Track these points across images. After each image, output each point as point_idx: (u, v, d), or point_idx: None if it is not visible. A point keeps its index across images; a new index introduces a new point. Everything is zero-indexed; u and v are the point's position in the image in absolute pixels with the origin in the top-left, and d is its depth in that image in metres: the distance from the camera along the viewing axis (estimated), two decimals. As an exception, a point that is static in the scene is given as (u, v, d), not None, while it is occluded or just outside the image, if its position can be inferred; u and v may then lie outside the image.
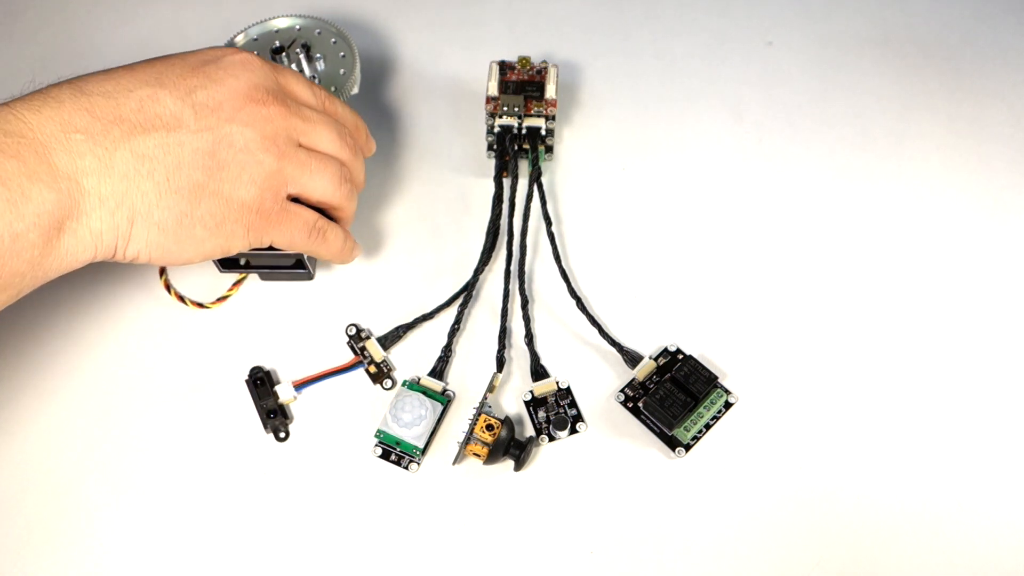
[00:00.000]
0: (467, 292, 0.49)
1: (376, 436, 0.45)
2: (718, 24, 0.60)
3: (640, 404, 0.46)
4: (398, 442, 0.45)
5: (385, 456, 0.45)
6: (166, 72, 0.40)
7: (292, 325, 0.49)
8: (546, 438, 0.46)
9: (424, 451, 0.45)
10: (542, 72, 0.52)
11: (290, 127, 0.42)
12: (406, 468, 0.45)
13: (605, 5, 0.61)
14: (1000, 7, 0.61)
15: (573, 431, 0.46)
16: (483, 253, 0.50)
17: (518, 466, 0.44)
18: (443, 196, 0.53)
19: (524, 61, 0.52)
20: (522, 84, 0.51)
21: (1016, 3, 0.61)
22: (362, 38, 0.60)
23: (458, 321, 0.48)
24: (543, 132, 0.51)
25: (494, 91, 0.51)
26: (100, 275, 0.51)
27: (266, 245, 0.43)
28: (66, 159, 0.35)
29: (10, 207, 0.34)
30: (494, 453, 0.43)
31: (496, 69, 0.51)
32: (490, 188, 0.51)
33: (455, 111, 0.57)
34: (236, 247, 0.41)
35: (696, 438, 0.46)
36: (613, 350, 0.48)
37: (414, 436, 0.45)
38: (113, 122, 0.37)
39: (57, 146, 0.35)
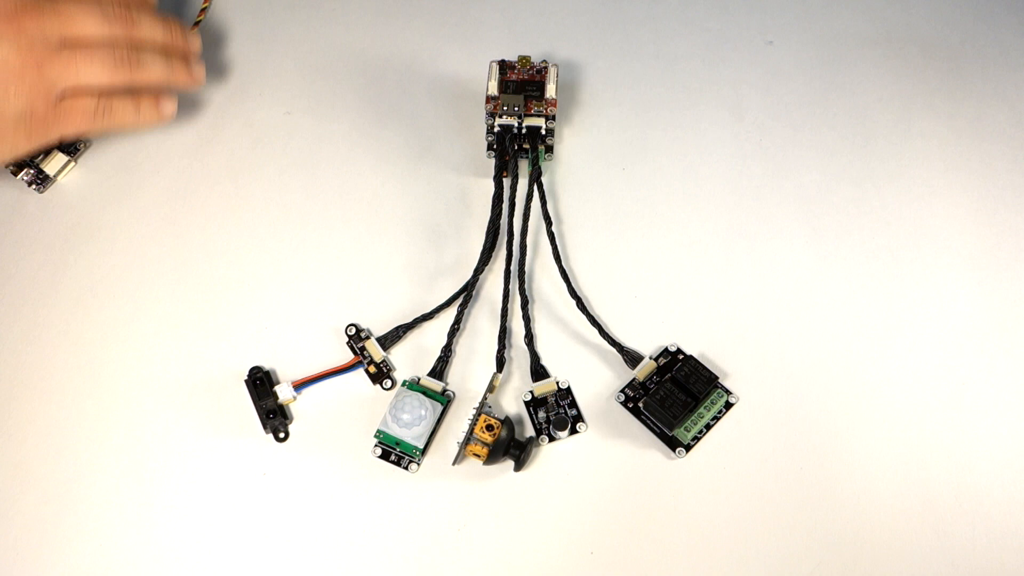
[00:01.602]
0: (467, 292, 0.49)
1: (376, 436, 0.45)
2: (718, 24, 0.60)
3: (640, 404, 0.46)
4: (398, 442, 0.45)
5: (385, 456, 0.45)
6: None
7: (292, 325, 0.49)
8: (546, 438, 0.46)
9: (424, 451, 0.45)
10: (542, 72, 0.52)
11: (45, 31, 0.44)
12: (406, 468, 0.45)
13: (605, 5, 0.61)
14: (1001, 7, 0.61)
15: (573, 431, 0.46)
16: (483, 253, 0.50)
17: (518, 466, 0.44)
18: (443, 196, 0.53)
19: (524, 60, 0.52)
20: (522, 84, 0.51)
21: (1016, 3, 0.61)
22: (362, 38, 0.60)
23: (458, 321, 0.48)
24: (543, 132, 0.51)
25: (494, 90, 0.51)
26: (97, 273, 0.51)
27: (55, 142, 0.47)
28: None
29: None
30: (494, 453, 0.43)
31: (496, 68, 0.51)
32: (490, 188, 0.51)
33: (455, 111, 0.57)
34: (22, 152, 0.45)
35: (696, 438, 0.46)
36: (613, 350, 0.48)
37: (414, 436, 0.45)
38: None
39: None
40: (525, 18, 0.61)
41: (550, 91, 0.51)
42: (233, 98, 0.57)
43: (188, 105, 0.57)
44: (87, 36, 0.46)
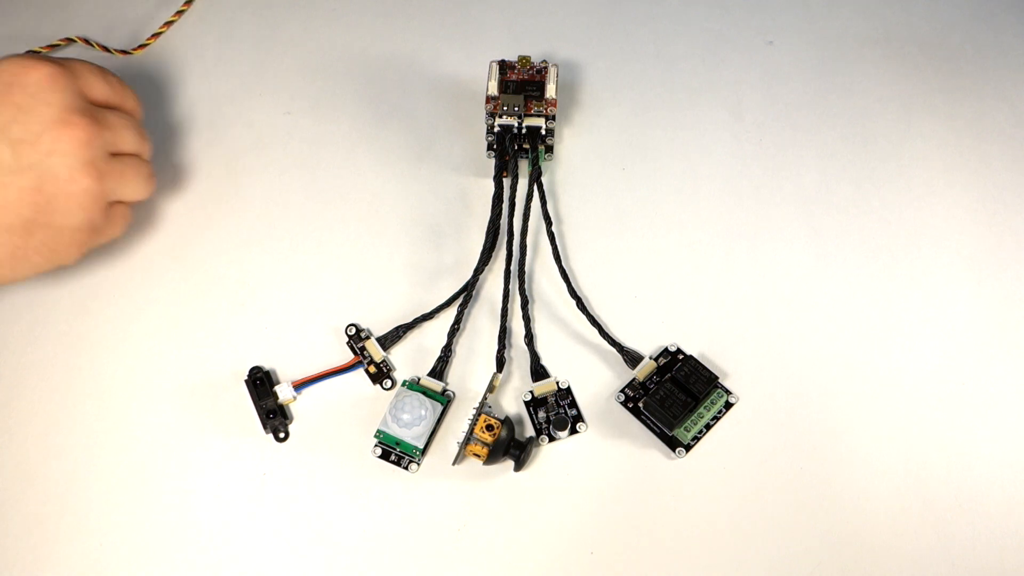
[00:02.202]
0: (467, 292, 0.49)
1: (376, 436, 0.45)
2: (718, 24, 0.60)
3: (640, 404, 0.46)
4: (398, 442, 0.45)
5: (385, 456, 0.45)
6: None
7: (292, 325, 0.49)
8: (546, 438, 0.46)
9: (424, 451, 0.45)
10: (542, 71, 0.52)
11: (104, 144, 0.44)
12: (406, 468, 0.45)
13: (605, 5, 0.61)
14: (1000, 7, 0.61)
15: (573, 431, 0.46)
16: (483, 253, 0.50)
17: (518, 466, 0.44)
18: (443, 196, 0.53)
19: (524, 60, 0.52)
20: (522, 84, 0.51)
21: (1016, 3, 0.61)
22: (362, 38, 0.60)
23: (458, 321, 0.48)
24: (543, 132, 0.51)
25: (494, 90, 0.51)
26: (97, 274, 0.51)
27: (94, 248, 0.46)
28: None
29: None
30: (494, 453, 0.43)
31: (496, 68, 0.51)
32: (490, 188, 0.51)
33: (455, 111, 0.57)
34: (70, 262, 0.44)
35: (696, 438, 0.46)
36: (613, 350, 0.48)
37: (414, 436, 0.44)
38: None
39: None
40: (525, 18, 0.61)
41: (550, 91, 0.51)
42: (233, 98, 0.57)
43: (189, 105, 0.57)
44: (127, 150, 0.46)
